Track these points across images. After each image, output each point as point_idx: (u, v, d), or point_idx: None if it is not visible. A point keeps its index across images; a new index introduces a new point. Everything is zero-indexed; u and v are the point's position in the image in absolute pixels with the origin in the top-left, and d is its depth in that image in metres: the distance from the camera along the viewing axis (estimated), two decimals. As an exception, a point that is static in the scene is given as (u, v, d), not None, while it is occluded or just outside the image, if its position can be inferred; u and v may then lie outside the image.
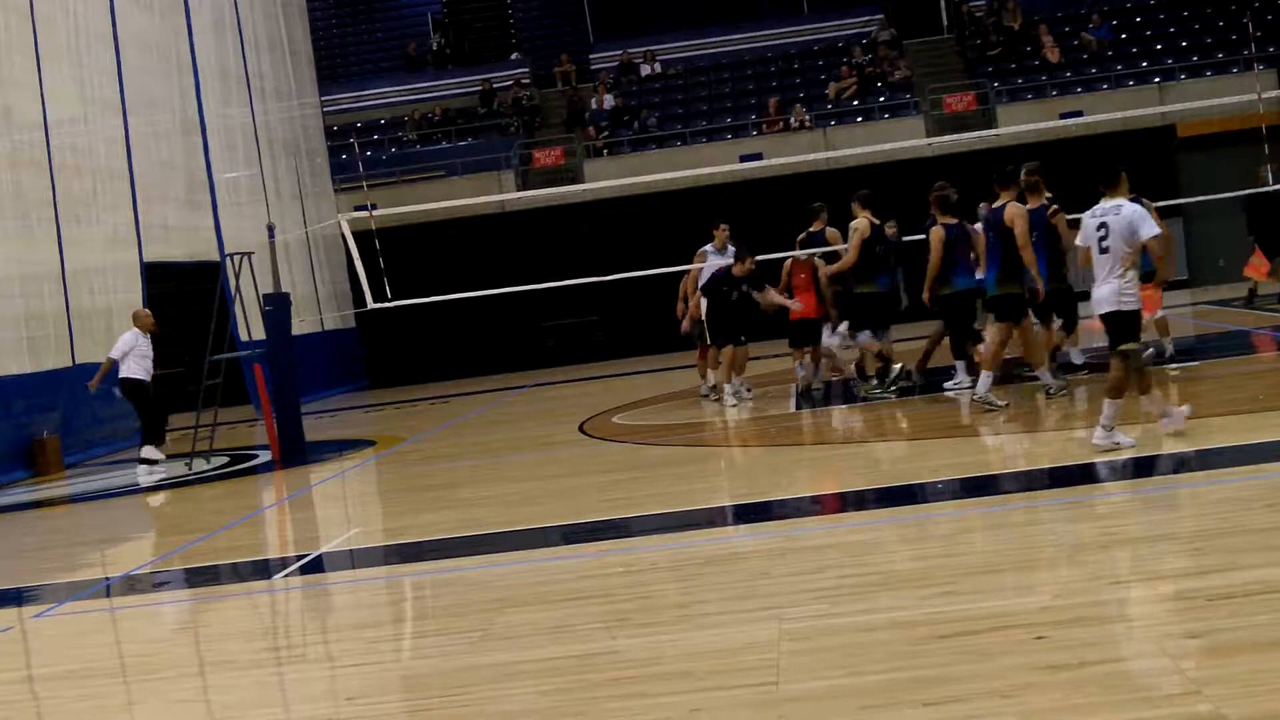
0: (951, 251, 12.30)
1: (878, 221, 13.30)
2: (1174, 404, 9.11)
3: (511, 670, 5.40)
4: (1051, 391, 11.65)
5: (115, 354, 14.64)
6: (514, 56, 34.77)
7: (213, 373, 15.68)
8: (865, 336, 13.46)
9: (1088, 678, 4.37)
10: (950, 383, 13.03)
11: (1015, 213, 11.43)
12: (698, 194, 25.04)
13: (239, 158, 22.63)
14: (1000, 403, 11.26)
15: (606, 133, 28.92)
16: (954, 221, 12.43)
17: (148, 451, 14.64)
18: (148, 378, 14.60)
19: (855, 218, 13.20)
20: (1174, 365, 12.52)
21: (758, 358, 15.47)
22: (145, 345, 14.62)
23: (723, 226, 14.85)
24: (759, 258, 14.31)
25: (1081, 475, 8.52)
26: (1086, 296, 11.61)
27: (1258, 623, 4.73)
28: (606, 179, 24.60)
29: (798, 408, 13.68)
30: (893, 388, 13.22)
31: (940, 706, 4.29)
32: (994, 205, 11.67)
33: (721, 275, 14.22)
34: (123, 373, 14.54)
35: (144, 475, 14.47)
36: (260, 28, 24.37)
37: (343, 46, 36.48)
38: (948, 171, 22.92)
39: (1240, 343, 14.48)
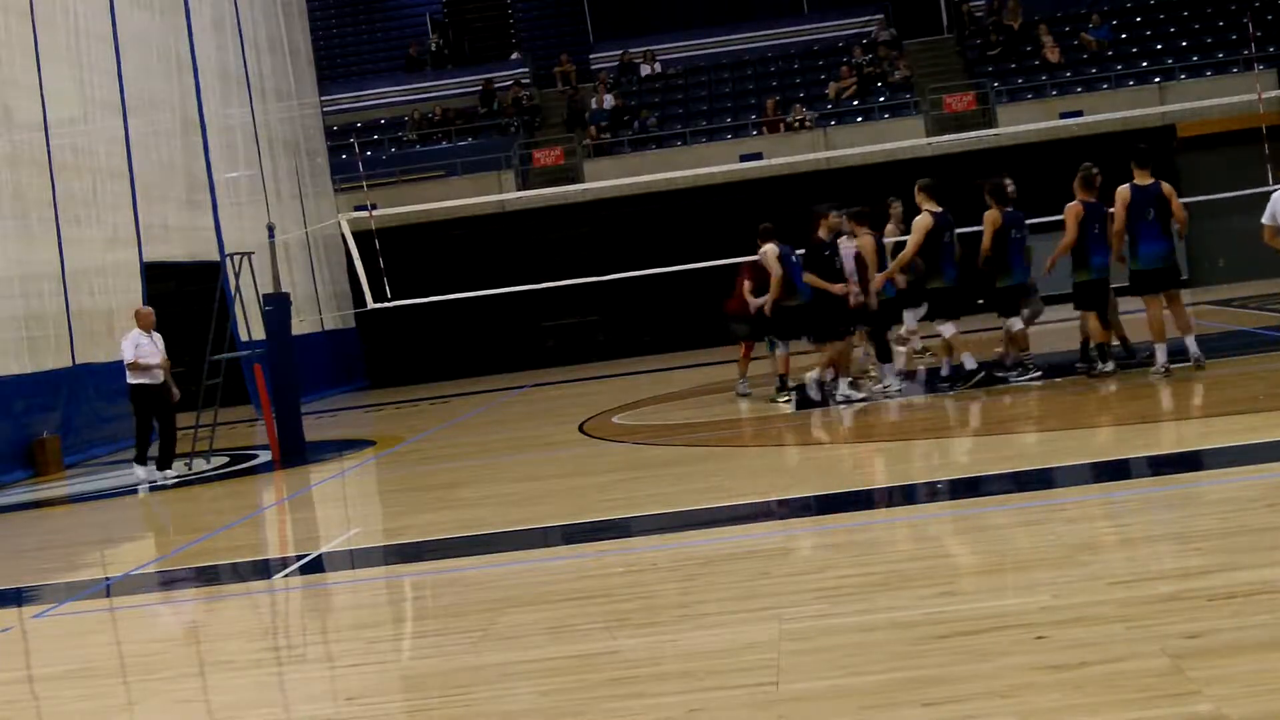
0: (881, 260, 13.36)
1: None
2: None
3: (511, 670, 5.40)
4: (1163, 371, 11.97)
5: (129, 358, 13.74)
6: (514, 56, 34.76)
7: (213, 373, 15.68)
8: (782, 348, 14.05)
9: (1088, 678, 4.37)
10: (878, 386, 13.61)
11: (1173, 188, 12.06)
12: (698, 194, 25.04)
13: (239, 158, 22.63)
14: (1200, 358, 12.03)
15: (607, 134, 28.91)
16: (877, 234, 13.57)
17: (136, 471, 14.11)
18: (155, 381, 13.82)
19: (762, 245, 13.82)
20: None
21: (759, 357, 15.43)
22: (148, 345, 13.86)
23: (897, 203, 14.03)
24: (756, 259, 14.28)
25: (1082, 475, 8.52)
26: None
27: (1258, 623, 4.73)
28: (606, 179, 24.60)
29: (799, 408, 13.69)
30: (786, 398, 13.85)
31: (940, 706, 4.29)
32: (1142, 184, 12.03)
33: (814, 246, 13.25)
34: (136, 379, 13.81)
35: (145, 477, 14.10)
36: (260, 28, 24.37)
37: (343, 46, 36.48)
38: (948, 171, 22.94)
39: (1240, 343, 14.48)
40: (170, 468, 14.26)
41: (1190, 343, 12.17)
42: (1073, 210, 12.39)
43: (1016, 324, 13.16)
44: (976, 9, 30.84)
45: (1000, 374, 13.20)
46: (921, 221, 12.98)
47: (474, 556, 8.02)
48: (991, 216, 12.85)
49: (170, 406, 14.07)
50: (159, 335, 14.08)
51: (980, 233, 13.01)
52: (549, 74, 32.65)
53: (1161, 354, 12.03)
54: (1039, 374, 12.91)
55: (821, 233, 13.15)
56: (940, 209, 13.18)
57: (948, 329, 13.22)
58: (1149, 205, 11.95)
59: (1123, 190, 12.03)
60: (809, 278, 13.17)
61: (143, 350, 13.78)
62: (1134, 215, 11.94)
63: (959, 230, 13.48)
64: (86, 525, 12.48)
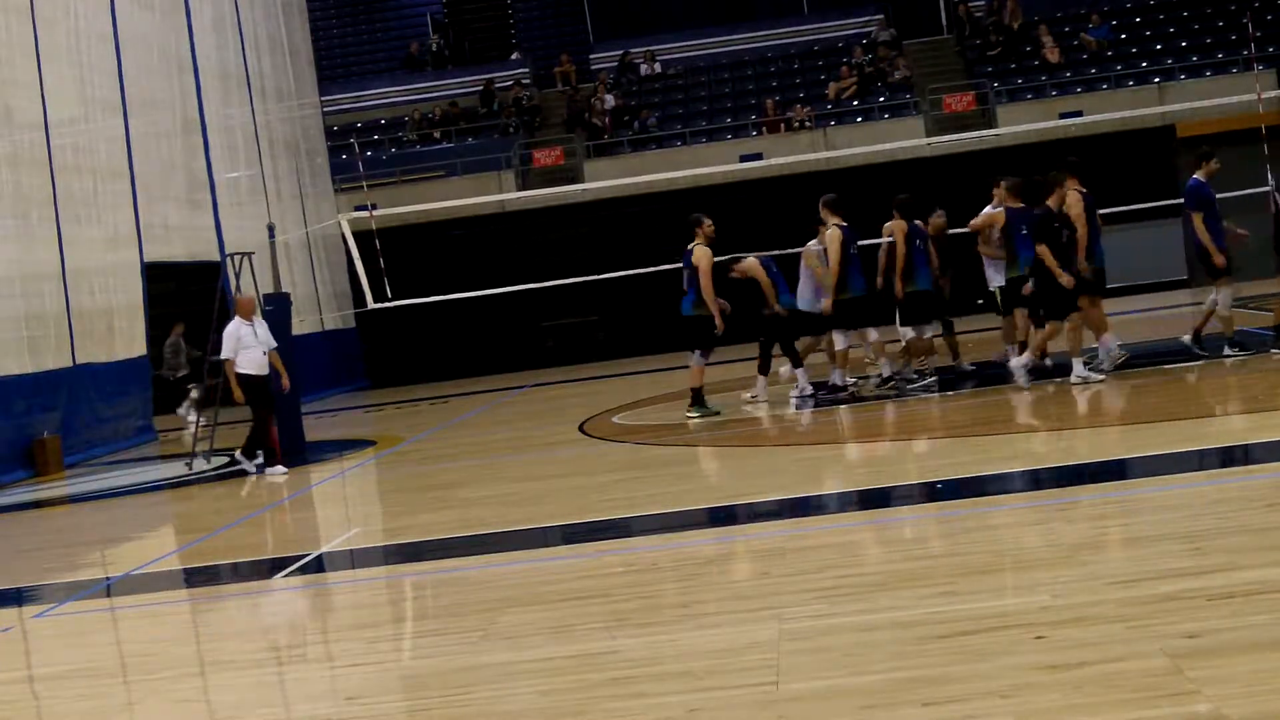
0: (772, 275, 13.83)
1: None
2: None
3: (511, 670, 5.40)
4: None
5: (227, 353, 13.21)
6: (514, 56, 34.76)
7: (213, 373, 15.67)
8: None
9: (1087, 678, 4.38)
10: (793, 393, 13.88)
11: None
12: (698, 194, 24.95)
13: (239, 158, 22.63)
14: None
15: (607, 134, 28.90)
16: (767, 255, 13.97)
17: (272, 471, 13.45)
18: (259, 371, 13.33)
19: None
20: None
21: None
22: (249, 334, 13.28)
23: (1002, 184, 13.45)
24: (762, 254, 14.27)
25: (1082, 475, 8.52)
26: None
27: (1258, 623, 4.73)
28: (606, 179, 24.59)
29: (798, 408, 13.69)
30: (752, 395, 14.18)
31: (940, 706, 4.29)
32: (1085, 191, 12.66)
33: (1043, 215, 12.26)
34: (238, 368, 13.22)
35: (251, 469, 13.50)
36: (260, 28, 24.36)
37: (343, 46, 36.47)
38: (947, 171, 22.97)
39: (1239, 342, 14.47)
40: (253, 457, 13.58)
41: (1105, 347, 12.69)
42: (993, 217, 13.11)
43: (909, 333, 13.67)
44: (976, 9, 30.84)
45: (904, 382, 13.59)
46: (833, 236, 13.26)
47: (474, 556, 8.02)
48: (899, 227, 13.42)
49: (270, 400, 13.55)
50: (262, 321, 13.58)
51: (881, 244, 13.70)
52: (549, 74, 32.64)
53: (1106, 349, 12.59)
54: (933, 381, 13.47)
55: (1052, 201, 12.27)
56: (845, 223, 13.41)
57: (840, 340, 13.57)
58: (1095, 210, 12.64)
59: (1079, 198, 12.46)
60: (1041, 250, 12.14)
61: (245, 340, 13.24)
62: (1090, 219, 12.50)
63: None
64: (86, 525, 12.48)
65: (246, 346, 13.23)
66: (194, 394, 19.95)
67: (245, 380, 13.26)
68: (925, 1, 32.76)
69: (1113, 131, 22.68)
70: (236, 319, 13.42)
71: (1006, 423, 11.25)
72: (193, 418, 20.28)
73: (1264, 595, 5.06)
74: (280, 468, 13.46)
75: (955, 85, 28.06)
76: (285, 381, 13.72)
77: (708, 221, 13.50)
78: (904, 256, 13.41)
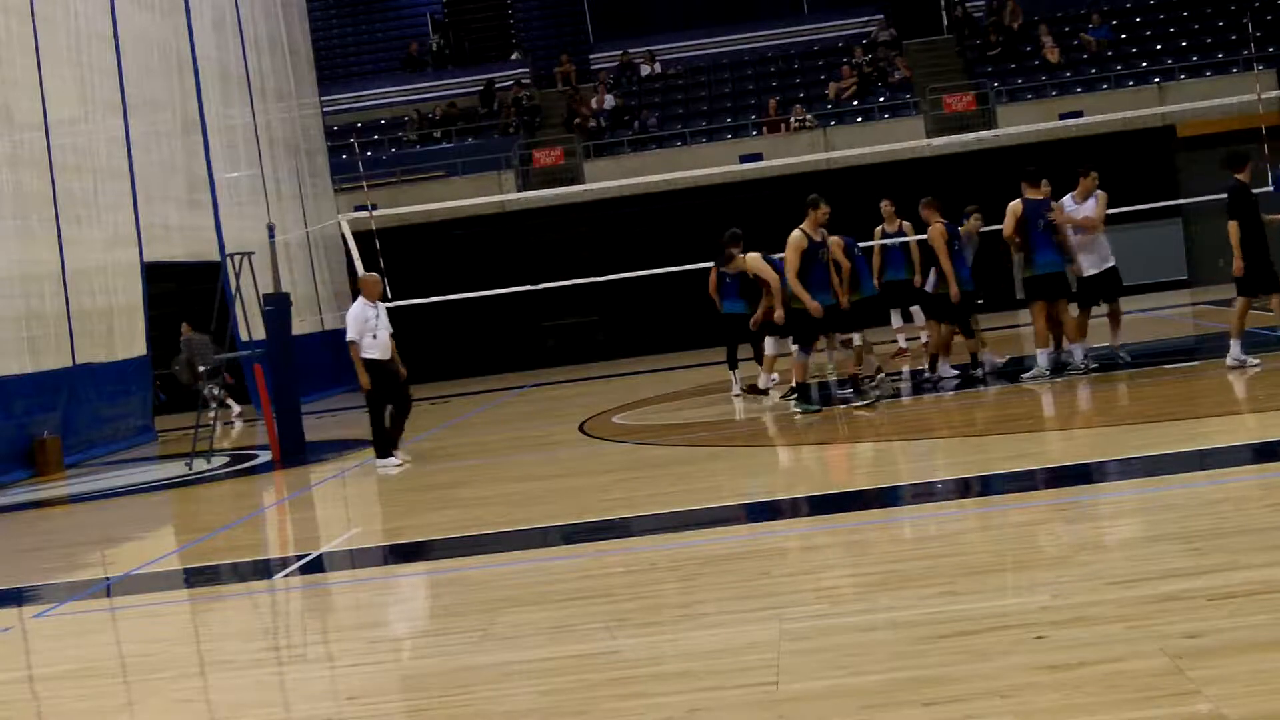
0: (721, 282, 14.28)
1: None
2: None
3: (511, 670, 5.40)
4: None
5: (353, 334, 12.42)
6: (514, 56, 34.76)
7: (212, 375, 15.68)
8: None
9: (1087, 678, 4.38)
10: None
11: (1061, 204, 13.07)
12: (698, 194, 25.04)
13: (239, 158, 22.62)
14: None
15: (607, 134, 28.91)
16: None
17: (383, 466, 12.62)
18: (385, 357, 12.56)
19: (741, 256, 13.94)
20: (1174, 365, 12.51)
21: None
22: (374, 317, 12.48)
23: (1093, 174, 13.09)
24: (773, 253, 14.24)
25: (1082, 475, 8.52)
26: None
27: (1258, 623, 4.74)
28: (606, 179, 24.60)
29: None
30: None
31: (940, 706, 4.29)
32: (1033, 199, 12.74)
33: (1235, 190, 11.70)
34: (365, 353, 12.46)
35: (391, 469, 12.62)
36: (260, 28, 24.36)
37: (343, 46, 36.48)
38: (948, 171, 22.97)
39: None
40: (392, 454, 12.78)
41: (1078, 351, 12.73)
42: (938, 231, 13.26)
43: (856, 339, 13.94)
44: (976, 9, 30.84)
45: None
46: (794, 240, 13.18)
47: (474, 556, 8.03)
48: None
49: (404, 385, 12.85)
50: (383, 306, 12.83)
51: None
52: (549, 74, 32.64)
53: (1043, 358, 12.69)
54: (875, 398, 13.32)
55: (1243, 175, 11.78)
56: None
57: (770, 346, 13.78)
58: (1040, 217, 12.75)
59: (1014, 204, 12.80)
60: (1231, 226, 11.60)
61: (372, 323, 12.45)
62: (1028, 226, 12.71)
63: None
64: (86, 525, 12.48)
65: (375, 330, 12.40)
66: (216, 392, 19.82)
67: (372, 366, 12.46)
68: (925, 1, 32.75)
69: (1113, 131, 22.68)
70: (361, 300, 12.56)
71: (1006, 422, 11.24)
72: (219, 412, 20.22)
73: (1264, 595, 5.06)
74: (395, 459, 12.71)
75: (955, 85, 28.05)
76: (402, 369, 12.93)
77: (821, 209, 12.65)
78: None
